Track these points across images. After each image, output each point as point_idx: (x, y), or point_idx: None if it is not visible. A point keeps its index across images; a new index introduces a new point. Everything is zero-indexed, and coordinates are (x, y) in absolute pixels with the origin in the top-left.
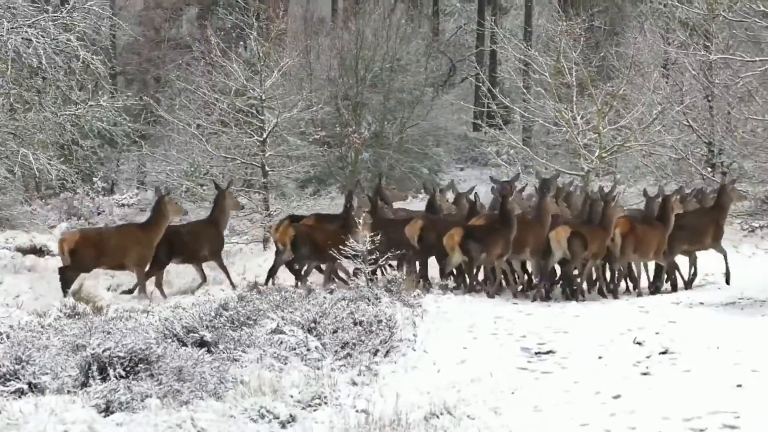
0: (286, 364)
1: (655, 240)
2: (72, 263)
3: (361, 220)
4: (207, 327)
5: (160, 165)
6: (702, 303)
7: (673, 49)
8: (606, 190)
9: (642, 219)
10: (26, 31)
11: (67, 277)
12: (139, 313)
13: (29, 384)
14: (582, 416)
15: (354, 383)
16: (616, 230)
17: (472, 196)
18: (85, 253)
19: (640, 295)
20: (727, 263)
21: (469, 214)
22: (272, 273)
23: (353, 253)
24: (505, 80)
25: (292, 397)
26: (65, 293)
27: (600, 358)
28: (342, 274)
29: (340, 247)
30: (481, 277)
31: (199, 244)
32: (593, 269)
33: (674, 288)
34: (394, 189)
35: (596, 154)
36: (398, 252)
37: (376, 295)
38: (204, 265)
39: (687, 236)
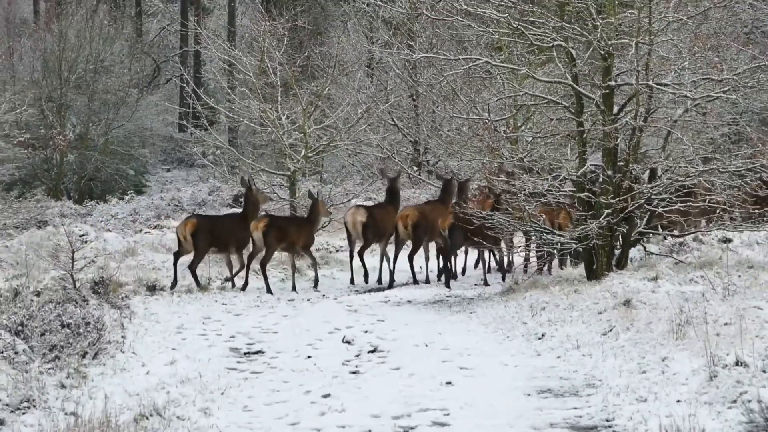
0: None
1: None
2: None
3: None
4: None
5: None
6: (410, 301)
7: (377, 48)
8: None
9: None
10: None
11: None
12: None
13: None
14: (292, 415)
15: (63, 386)
16: None
17: None
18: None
19: None
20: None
21: None
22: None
23: None
24: (210, 81)
25: (0, 400)
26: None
27: (309, 357)
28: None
29: None
30: None
31: None
32: None
33: None
34: None
35: (302, 153)
36: None
37: (84, 297)
38: None
39: None
